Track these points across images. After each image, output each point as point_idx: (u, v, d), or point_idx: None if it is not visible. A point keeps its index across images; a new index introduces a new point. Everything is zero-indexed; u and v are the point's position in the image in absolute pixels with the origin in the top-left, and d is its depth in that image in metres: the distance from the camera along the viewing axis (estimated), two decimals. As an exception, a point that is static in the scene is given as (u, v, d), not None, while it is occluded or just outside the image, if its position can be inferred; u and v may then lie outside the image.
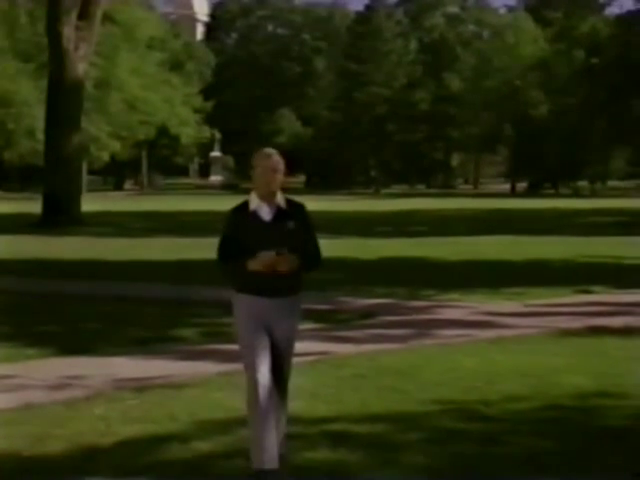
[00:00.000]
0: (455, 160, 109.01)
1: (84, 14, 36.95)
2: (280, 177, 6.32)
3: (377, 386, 9.06)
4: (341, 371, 9.76)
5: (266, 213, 6.31)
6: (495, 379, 9.26)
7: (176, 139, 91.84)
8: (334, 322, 13.25)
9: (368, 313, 14.13)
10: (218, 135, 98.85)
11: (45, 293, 16.61)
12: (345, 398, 8.55)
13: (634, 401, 8.38)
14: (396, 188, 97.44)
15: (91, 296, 16.24)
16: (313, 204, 39.23)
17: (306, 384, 8.53)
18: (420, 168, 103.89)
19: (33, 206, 39.43)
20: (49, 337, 12.02)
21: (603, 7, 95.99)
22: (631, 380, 9.17)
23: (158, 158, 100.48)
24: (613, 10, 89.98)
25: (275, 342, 6.36)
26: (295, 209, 6.39)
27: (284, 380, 6.46)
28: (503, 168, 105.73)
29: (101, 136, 77.22)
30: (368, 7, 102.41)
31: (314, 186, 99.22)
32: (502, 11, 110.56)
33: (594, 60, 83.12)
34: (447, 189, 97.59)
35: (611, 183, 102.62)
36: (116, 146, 79.72)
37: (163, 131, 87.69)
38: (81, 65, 37.15)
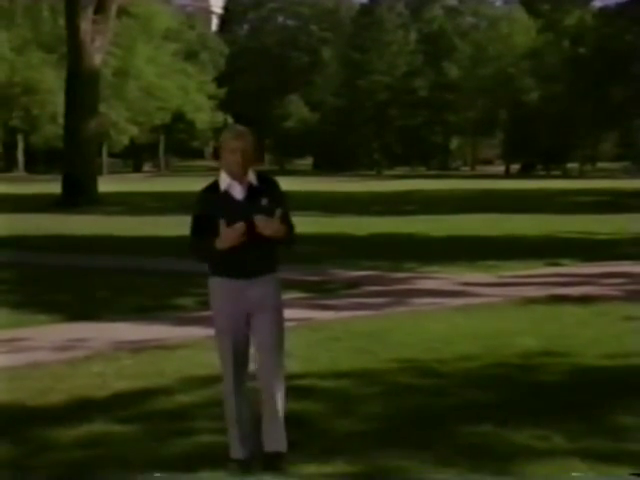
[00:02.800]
0: (454, 144, 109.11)
1: (100, 8, 37.34)
2: (249, 157, 5.73)
3: (348, 347, 9.41)
4: (318, 334, 10.10)
5: (238, 192, 5.75)
6: (453, 341, 9.63)
7: (192, 124, 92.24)
8: (320, 292, 13.55)
9: (353, 284, 14.47)
10: (231, 120, 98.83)
11: (59, 266, 17.03)
12: (317, 357, 8.92)
13: (572, 359, 8.73)
14: (398, 170, 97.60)
15: (101, 268, 16.65)
16: (319, 185, 39.84)
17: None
18: (420, 151, 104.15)
19: (55, 187, 39.76)
20: (59, 305, 12.38)
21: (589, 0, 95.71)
22: (575, 341, 9.52)
23: (175, 142, 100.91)
24: (597, 3, 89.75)
25: (256, 327, 5.81)
26: (267, 185, 5.83)
27: (273, 371, 5.84)
28: (500, 151, 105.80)
29: (120, 121, 77.76)
30: (371, 0, 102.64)
31: (320, 168, 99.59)
32: (498, 3, 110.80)
33: (581, 50, 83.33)
34: (445, 171, 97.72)
35: (601, 165, 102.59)
36: (134, 130, 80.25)
37: (179, 116, 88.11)
38: (97, 56, 37.53)
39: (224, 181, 5.78)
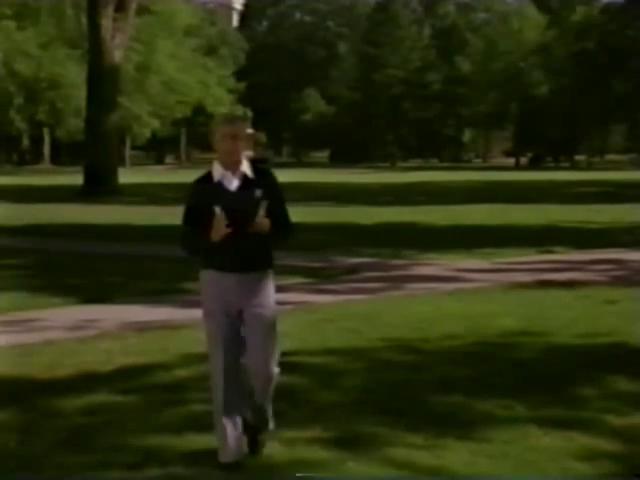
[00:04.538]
0: (466, 136, 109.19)
1: (120, 6, 37.77)
2: (242, 144, 5.50)
3: (339, 328, 9.72)
4: (313, 316, 10.40)
5: (231, 182, 5.50)
6: (439, 322, 9.94)
7: (212, 117, 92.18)
8: (321, 277, 13.85)
9: (353, 270, 14.74)
10: (250, 113, 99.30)
11: (77, 252, 17.40)
12: (309, 337, 9.23)
13: (547, 338, 9.05)
14: (411, 162, 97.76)
15: (115, 255, 16.98)
16: (334, 176, 39.70)
17: (279, 327, 9.21)
18: (433, 143, 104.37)
19: (78, 178, 40.16)
20: (75, 289, 12.73)
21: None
22: (553, 322, 9.83)
23: (196, 135, 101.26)
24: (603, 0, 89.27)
25: (247, 323, 5.58)
26: (262, 177, 5.55)
27: (265, 366, 5.65)
28: (511, 144, 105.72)
29: (142, 115, 78.21)
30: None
31: (337, 160, 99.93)
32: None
33: (587, 45, 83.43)
34: (458, 163, 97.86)
35: (611, 157, 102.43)
36: (156, 124, 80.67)
37: (200, 110, 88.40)
38: (117, 52, 37.96)
39: (217, 171, 5.55)
